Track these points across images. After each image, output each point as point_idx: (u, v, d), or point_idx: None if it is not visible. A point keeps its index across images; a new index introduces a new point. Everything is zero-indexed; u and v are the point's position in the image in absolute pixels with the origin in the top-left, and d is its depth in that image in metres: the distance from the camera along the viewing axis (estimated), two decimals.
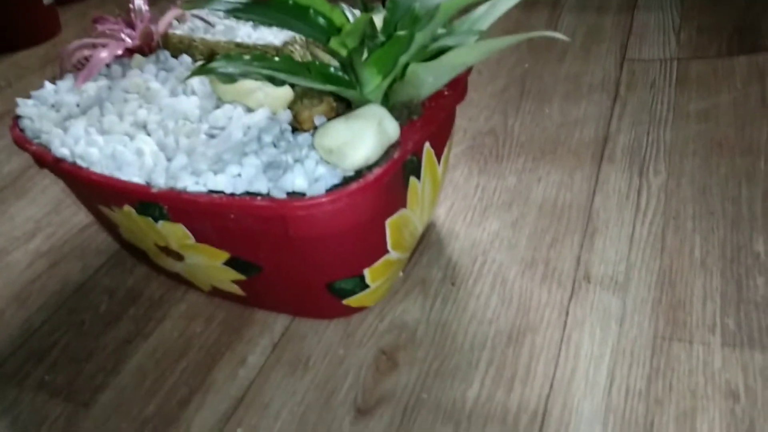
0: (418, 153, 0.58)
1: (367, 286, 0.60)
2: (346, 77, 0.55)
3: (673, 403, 0.54)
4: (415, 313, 0.64)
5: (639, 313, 0.61)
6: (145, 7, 0.71)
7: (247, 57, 0.53)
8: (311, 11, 0.54)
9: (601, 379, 0.56)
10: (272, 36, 0.69)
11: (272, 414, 0.56)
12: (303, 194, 0.50)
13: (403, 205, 0.59)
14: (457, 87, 0.60)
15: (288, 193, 0.50)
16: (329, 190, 0.50)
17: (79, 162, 0.56)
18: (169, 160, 0.55)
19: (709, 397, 0.54)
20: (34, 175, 0.89)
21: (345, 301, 0.61)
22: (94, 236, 0.78)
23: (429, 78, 0.52)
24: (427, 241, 0.72)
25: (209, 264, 0.59)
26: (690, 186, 0.75)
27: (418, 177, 0.60)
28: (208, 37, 0.71)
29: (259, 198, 0.50)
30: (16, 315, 0.68)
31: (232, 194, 0.50)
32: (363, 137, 0.50)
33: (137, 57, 0.67)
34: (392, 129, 0.53)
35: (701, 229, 0.69)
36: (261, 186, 0.50)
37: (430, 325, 0.62)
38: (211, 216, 0.52)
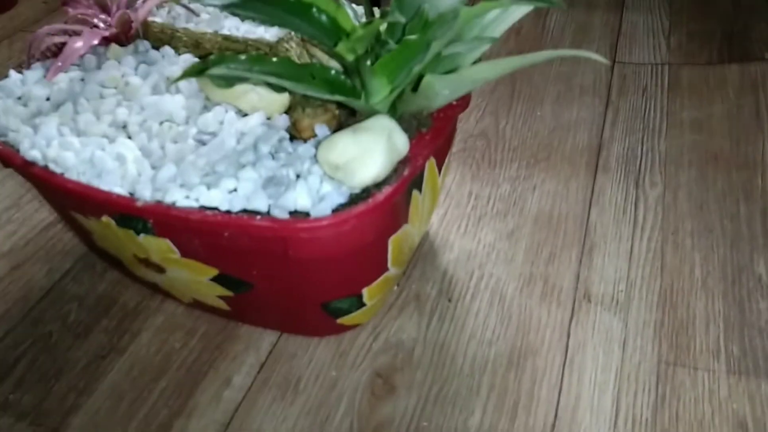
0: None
1: (363, 305, 0.57)
2: (350, 83, 0.51)
3: None
4: (411, 332, 0.60)
5: (641, 336, 0.59)
6: None
7: (243, 58, 0.48)
8: (314, 9, 0.50)
9: (607, 408, 0.54)
10: (262, 29, 0.64)
11: None
12: (306, 214, 0.46)
13: (406, 220, 0.55)
14: (465, 96, 0.56)
15: (290, 212, 0.46)
16: (335, 211, 0.46)
17: (52, 167, 0.50)
18: (154, 168, 0.50)
19: (717, 428, 0.53)
20: None
21: (339, 320, 0.57)
22: (59, 236, 0.72)
23: (445, 91, 0.49)
24: (420, 251, 0.68)
25: (194, 279, 0.55)
26: (687, 200, 0.73)
27: (420, 189, 0.56)
28: (192, 26, 0.65)
29: (258, 217, 0.45)
30: None
31: (228, 212, 0.46)
32: (372, 153, 0.47)
33: (114, 47, 0.62)
34: (402, 143, 0.49)
35: (701, 248, 0.67)
36: (260, 204, 0.46)
37: (428, 345, 0.59)
38: (201, 233, 0.48)
